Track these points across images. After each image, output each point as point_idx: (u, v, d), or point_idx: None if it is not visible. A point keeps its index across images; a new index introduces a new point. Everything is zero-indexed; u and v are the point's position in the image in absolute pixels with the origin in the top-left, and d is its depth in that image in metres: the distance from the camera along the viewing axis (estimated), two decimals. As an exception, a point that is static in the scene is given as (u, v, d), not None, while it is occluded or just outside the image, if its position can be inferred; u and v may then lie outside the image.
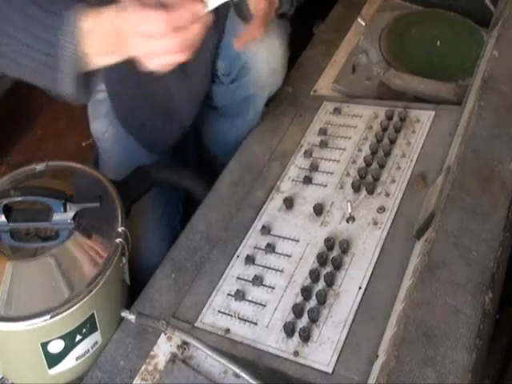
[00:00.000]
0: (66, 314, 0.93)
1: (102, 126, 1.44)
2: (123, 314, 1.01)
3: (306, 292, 1.02)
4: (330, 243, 1.08)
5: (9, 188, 1.02)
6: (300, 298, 1.02)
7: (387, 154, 1.23)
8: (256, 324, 1.01)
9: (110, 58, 0.86)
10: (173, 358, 0.97)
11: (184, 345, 0.99)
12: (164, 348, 1.00)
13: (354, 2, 1.72)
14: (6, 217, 0.98)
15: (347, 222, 1.13)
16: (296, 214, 1.17)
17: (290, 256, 1.09)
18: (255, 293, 1.05)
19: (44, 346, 0.95)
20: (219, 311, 1.04)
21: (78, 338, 0.97)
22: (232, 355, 0.96)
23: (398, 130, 1.28)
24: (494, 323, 0.94)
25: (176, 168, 1.36)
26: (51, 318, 0.92)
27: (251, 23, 1.12)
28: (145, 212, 1.35)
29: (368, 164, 1.22)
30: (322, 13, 1.69)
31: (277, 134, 1.35)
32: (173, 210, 1.48)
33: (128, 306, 1.08)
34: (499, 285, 0.93)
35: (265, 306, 1.03)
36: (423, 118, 1.30)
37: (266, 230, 1.14)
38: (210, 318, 1.03)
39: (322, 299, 1.00)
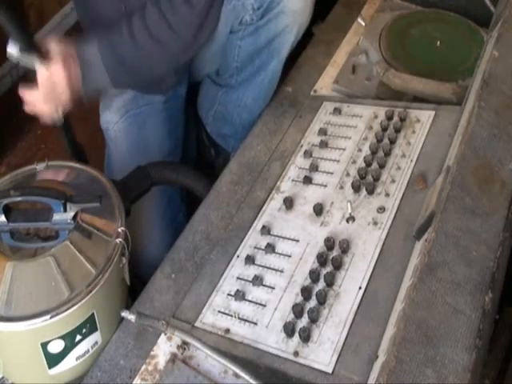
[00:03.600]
0: (65, 314, 0.93)
1: (113, 118, 1.46)
2: (123, 314, 1.01)
3: (306, 292, 1.02)
4: (330, 243, 1.08)
5: (9, 188, 1.02)
6: (300, 298, 1.02)
7: (387, 153, 1.23)
8: (256, 324, 1.01)
9: None
10: (173, 358, 0.97)
11: (184, 345, 0.99)
12: (164, 348, 1.00)
13: (353, 1, 1.72)
14: (6, 217, 0.98)
15: (347, 221, 1.13)
16: (296, 214, 1.17)
17: (289, 256, 1.09)
18: (255, 293, 1.05)
19: (44, 346, 0.95)
20: (219, 311, 1.04)
21: (78, 338, 0.97)
22: (232, 355, 0.96)
23: (398, 130, 1.28)
24: (494, 323, 0.94)
25: (175, 166, 1.36)
26: (51, 318, 0.92)
27: None
28: (146, 212, 1.36)
29: (368, 164, 1.22)
30: (322, 13, 1.69)
31: (277, 134, 1.35)
32: (175, 209, 1.48)
33: (128, 306, 1.08)
34: (499, 285, 0.93)
35: (265, 305, 1.03)
36: (423, 118, 1.30)
37: (265, 230, 1.14)
38: (210, 318, 1.03)
39: (322, 299, 1.00)
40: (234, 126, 1.53)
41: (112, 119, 1.46)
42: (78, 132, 1.85)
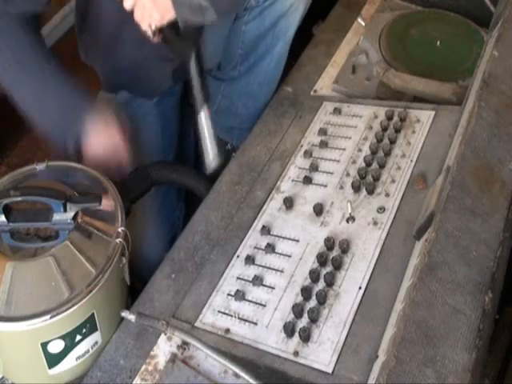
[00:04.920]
0: (65, 314, 0.93)
1: None
2: (123, 314, 1.01)
3: (306, 292, 1.02)
4: (330, 243, 1.08)
5: (9, 188, 1.02)
6: (300, 298, 1.02)
7: (387, 153, 1.23)
8: (256, 324, 1.01)
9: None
10: (173, 358, 0.97)
11: (184, 345, 0.99)
12: (164, 348, 1.00)
13: (353, 2, 1.72)
14: (6, 217, 0.98)
15: (347, 221, 1.13)
16: (296, 214, 1.17)
17: (289, 256, 1.09)
18: (255, 293, 1.05)
19: (44, 345, 0.95)
20: (219, 311, 1.04)
21: (78, 338, 0.97)
22: (232, 355, 0.96)
23: (398, 130, 1.28)
24: (494, 323, 0.94)
25: (175, 167, 1.36)
26: (51, 318, 0.92)
27: None
28: (140, 210, 1.36)
29: (368, 164, 1.22)
30: (322, 13, 1.69)
31: (277, 135, 1.35)
32: (172, 207, 1.48)
33: (128, 306, 1.08)
34: (499, 285, 0.93)
35: (265, 306, 1.03)
36: (423, 118, 1.30)
37: (265, 230, 1.14)
38: (210, 318, 1.03)
39: (322, 299, 1.00)
40: (240, 117, 1.52)
41: None
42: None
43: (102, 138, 1.15)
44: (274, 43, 1.40)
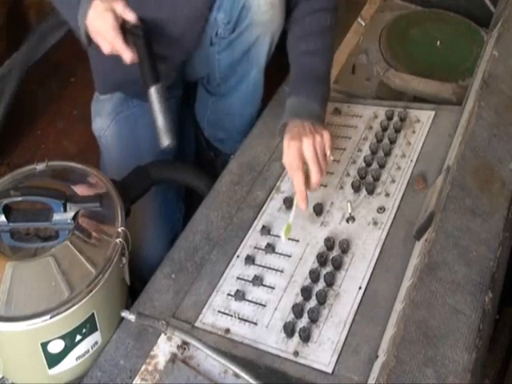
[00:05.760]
0: (65, 314, 0.93)
1: (104, 123, 1.46)
2: (123, 314, 1.01)
3: (306, 292, 1.02)
4: (330, 243, 1.08)
5: (9, 188, 1.02)
6: (300, 298, 1.02)
7: (387, 153, 1.23)
8: (256, 324, 1.01)
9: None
10: (173, 358, 0.97)
11: (184, 345, 0.99)
12: (164, 348, 1.00)
13: (353, 1, 1.72)
14: (6, 217, 0.98)
15: (347, 221, 1.13)
16: (296, 214, 1.17)
17: (289, 256, 1.09)
18: (255, 293, 1.05)
19: (44, 345, 0.95)
20: (219, 311, 1.04)
21: (78, 338, 0.97)
22: (232, 355, 0.96)
23: (398, 130, 1.28)
24: (494, 323, 0.94)
25: (175, 165, 1.36)
26: (51, 318, 0.92)
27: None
28: (141, 210, 1.36)
29: (368, 164, 1.22)
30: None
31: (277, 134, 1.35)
32: (172, 207, 1.48)
33: (128, 306, 1.08)
34: (499, 285, 0.93)
35: (265, 306, 1.03)
36: (423, 118, 1.30)
37: (265, 230, 1.14)
38: (210, 317, 1.03)
39: (322, 299, 1.00)
40: (229, 132, 1.54)
41: (103, 125, 1.46)
42: (78, 134, 1.87)
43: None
44: (249, 69, 1.42)
